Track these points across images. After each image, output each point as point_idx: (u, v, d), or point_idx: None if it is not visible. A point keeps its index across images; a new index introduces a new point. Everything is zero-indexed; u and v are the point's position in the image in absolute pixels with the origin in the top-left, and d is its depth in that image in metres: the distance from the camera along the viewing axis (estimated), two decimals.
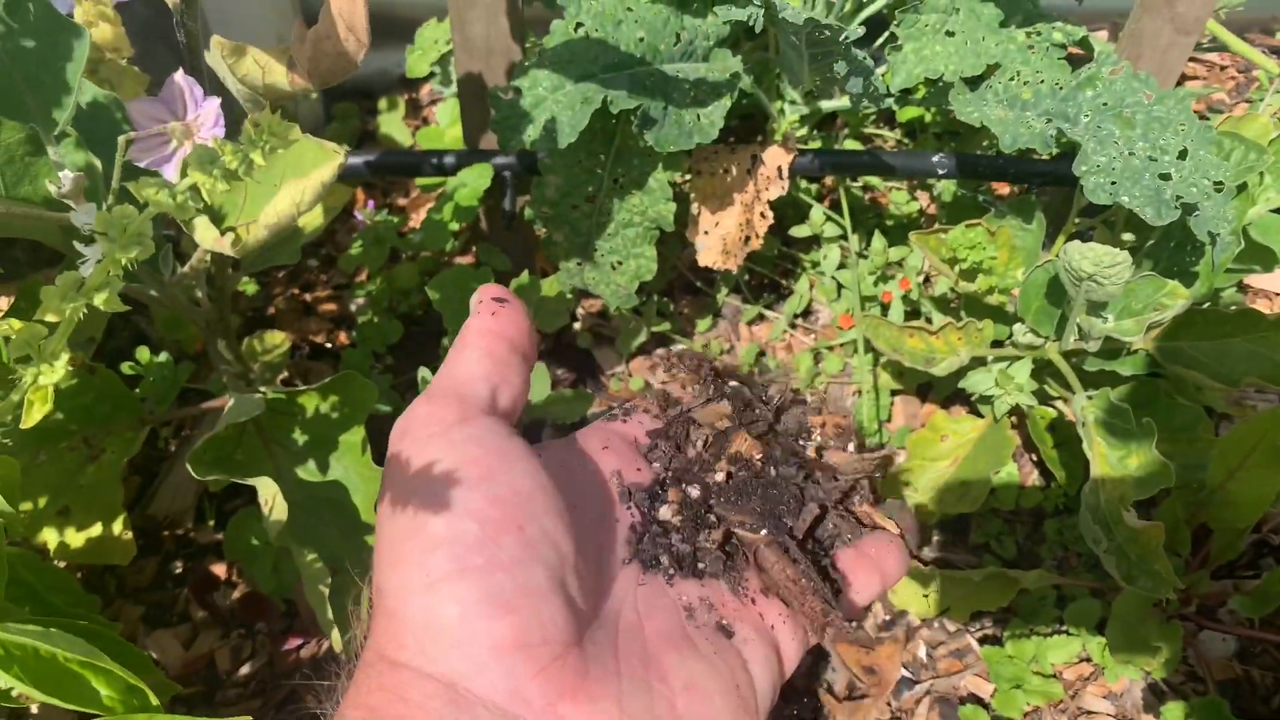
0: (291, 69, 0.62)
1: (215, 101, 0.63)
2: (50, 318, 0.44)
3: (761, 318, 1.19)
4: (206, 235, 0.61)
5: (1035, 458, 1.05)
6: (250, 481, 0.65)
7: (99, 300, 0.44)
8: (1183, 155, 0.82)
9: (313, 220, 0.87)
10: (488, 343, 0.44)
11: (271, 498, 0.64)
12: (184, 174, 0.62)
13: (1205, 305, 0.85)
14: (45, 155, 0.62)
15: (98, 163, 0.68)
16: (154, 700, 0.45)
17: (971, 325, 0.88)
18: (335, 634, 0.65)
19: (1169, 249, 0.91)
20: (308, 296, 1.18)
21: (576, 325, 1.18)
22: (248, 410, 0.69)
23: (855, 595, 0.47)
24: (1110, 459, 0.79)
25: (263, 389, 0.73)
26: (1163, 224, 0.77)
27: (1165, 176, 0.79)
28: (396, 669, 0.36)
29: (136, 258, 0.42)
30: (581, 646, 0.38)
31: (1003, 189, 1.21)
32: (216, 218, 0.65)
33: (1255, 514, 0.84)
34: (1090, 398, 0.81)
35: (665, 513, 0.48)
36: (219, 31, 0.68)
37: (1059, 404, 0.99)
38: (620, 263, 0.97)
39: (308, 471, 0.73)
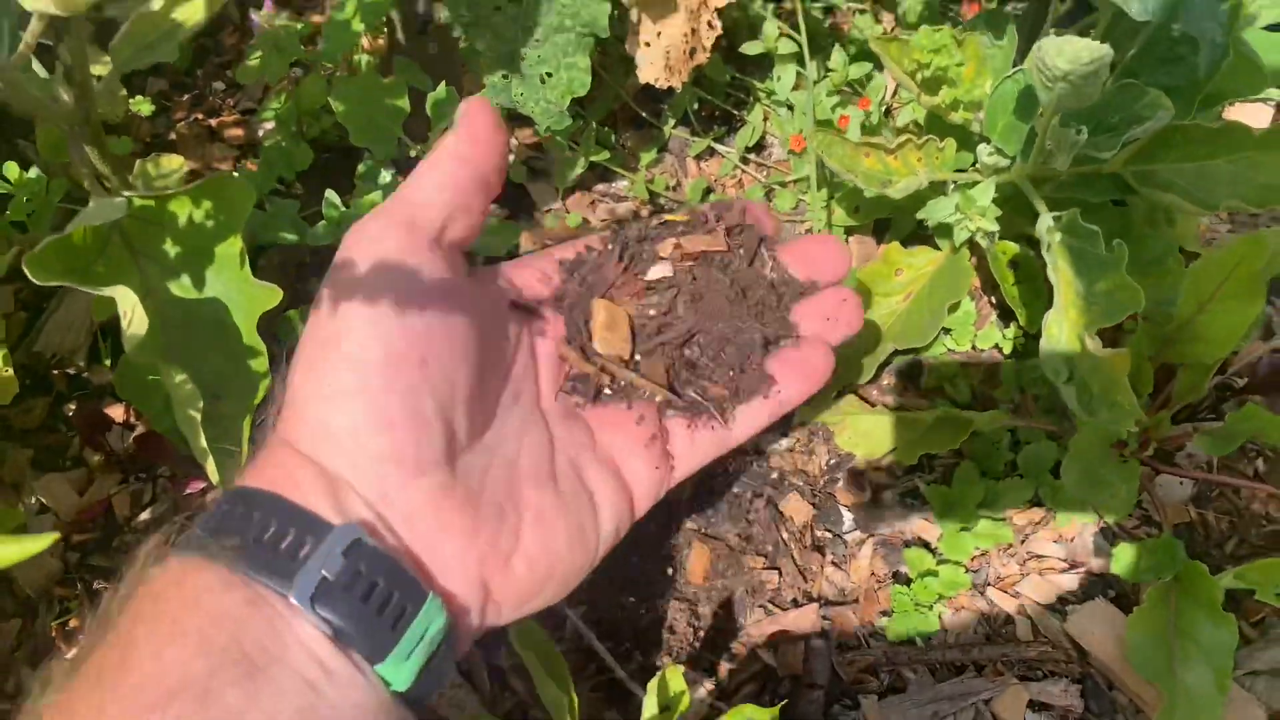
0: None
1: None
2: None
3: (711, 152, 1.10)
4: None
5: (994, 300, 0.99)
6: (106, 292, 0.57)
7: None
8: None
9: (192, 15, 0.76)
10: (455, 169, 0.46)
11: (130, 309, 0.56)
12: None
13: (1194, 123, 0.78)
14: None
15: None
16: None
17: (932, 144, 0.80)
18: (210, 464, 0.58)
19: (1150, 63, 0.82)
20: (212, 122, 1.08)
21: (510, 157, 1.08)
22: (108, 213, 0.60)
23: (785, 394, 0.54)
24: (1076, 284, 0.73)
25: (128, 193, 0.64)
26: (1147, 19, 0.69)
27: None
28: (294, 455, 0.41)
29: None
30: (452, 469, 0.43)
31: (973, 12, 1.11)
32: None
33: (1227, 347, 0.79)
34: (1057, 219, 0.74)
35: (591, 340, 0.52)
36: None
37: (1021, 242, 0.92)
38: (550, 75, 0.87)
39: (182, 288, 0.64)
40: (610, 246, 0.56)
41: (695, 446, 0.53)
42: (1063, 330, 0.72)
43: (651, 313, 0.54)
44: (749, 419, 0.54)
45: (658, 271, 0.54)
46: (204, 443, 0.57)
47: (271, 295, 0.64)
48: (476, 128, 0.47)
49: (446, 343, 0.44)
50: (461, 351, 0.45)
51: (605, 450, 0.51)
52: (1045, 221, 0.75)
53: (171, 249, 0.64)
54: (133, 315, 0.56)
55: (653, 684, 0.62)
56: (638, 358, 0.53)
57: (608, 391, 0.53)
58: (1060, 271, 0.73)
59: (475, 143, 0.47)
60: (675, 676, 0.62)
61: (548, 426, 0.50)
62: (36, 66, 0.69)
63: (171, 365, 0.58)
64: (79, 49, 0.64)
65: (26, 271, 0.55)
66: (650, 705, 0.62)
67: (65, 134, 0.71)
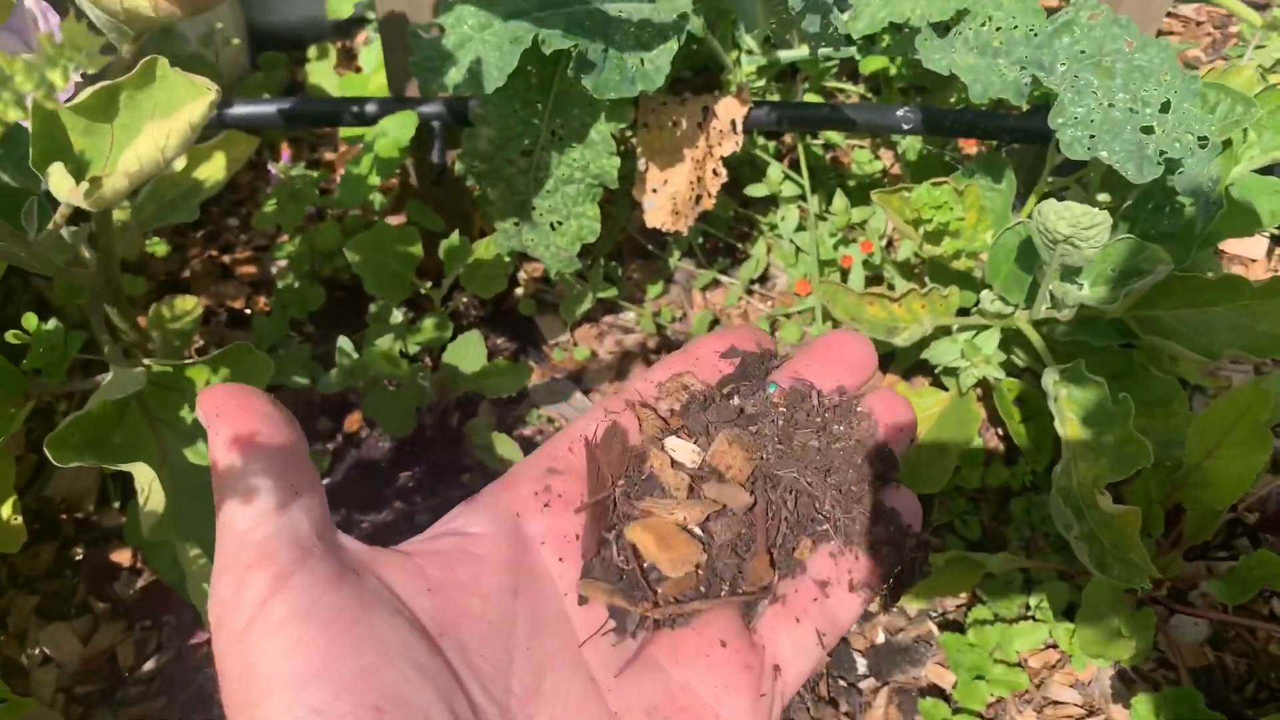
0: None
1: None
2: None
3: (716, 283, 1.12)
4: (61, 185, 0.53)
5: (1001, 432, 0.99)
6: (125, 468, 0.58)
7: None
8: (1165, 108, 0.75)
9: (214, 173, 0.79)
10: (252, 464, 0.35)
11: (148, 485, 0.57)
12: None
13: (1185, 271, 0.79)
14: None
15: None
16: None
17: (936, 292, 0.82)
18: None
19: (1146, 211, 0.84)
20: (226, 259, 1.09)
21: (519, 291, 1.10)
22: (127, 385, 0.61)
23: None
24: (1084, 436, 0.74)
25: (147, 362, 0.64)
26: (1144, 181, 0.71)
27: (1148, 130, 0.73)
28: None
29: None
30: None
31: (970, 148, 1.15)
32: (79, 166, 0.56)
33: (1234, 494, 0.79)
34: (1063, 371, 0.75)
35: (619, 554, 0.40)
36: None
37: (1026, 375, 0.93)
38: (560, 223, 0.89)
39: (198, 454, 0.65)
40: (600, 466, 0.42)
41: (807, 643, 0.40)
42: (1072, 484, 0.73)
43: (711, 510, 0.41)
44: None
45: (685, 454, 0.42)
46: None
47: None
48: (224, 407, 0.36)
49: (395, 670, 0.33)
50: (420, 667, 0.34)
51: (689, 698, 0.38)
52: (1051, 375, 0.75)
53: (188, 416, 0.65)
54: (150, 492, 0.56)
55: None
56: (709, 559, 0.40)
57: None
58: (1067, 423, 0.74)
59: (240, 418, 0.36)
60: None
61: (600, 696, 0.37)
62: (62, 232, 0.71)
63: (187, 540, 0.58)
64: (105, 223, 0.66)
65: (49, 454, 0.55)
66: None
67: (88, 296, 0.73)
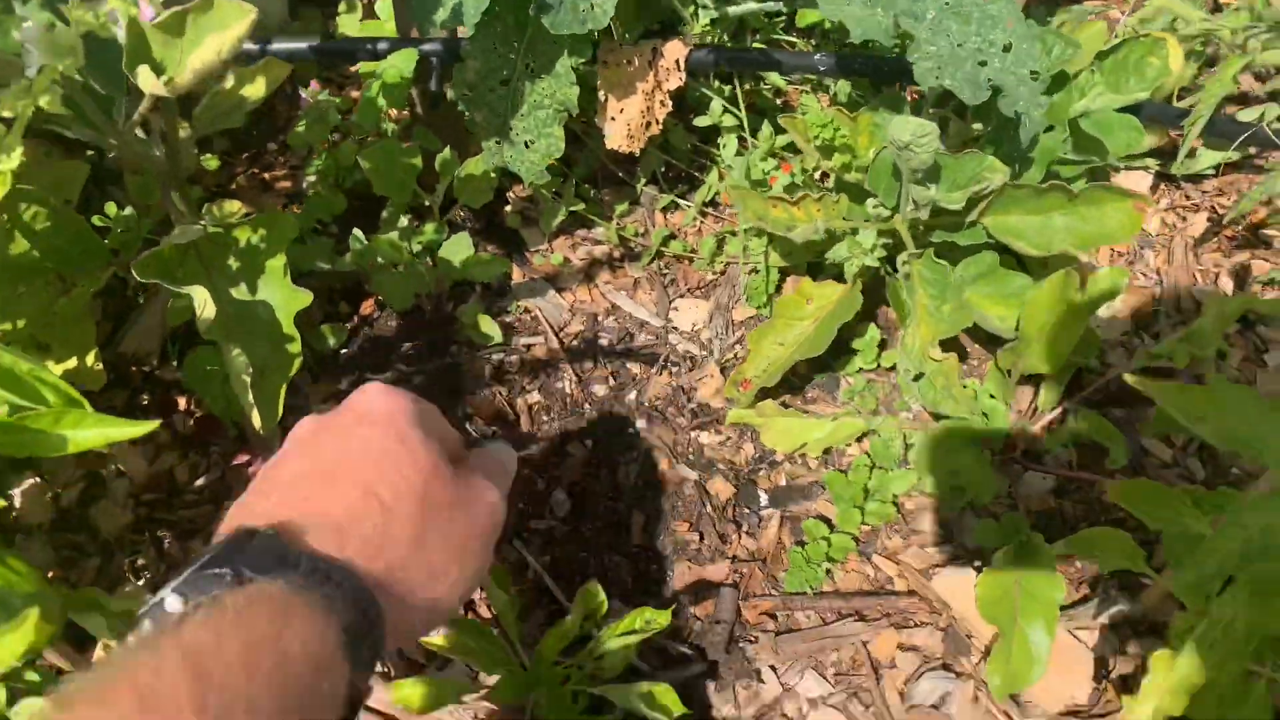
0: None
1: None
2: (6, 114, 0.57)
3: (675, 205, 1.32)
4: (147, 80, 0.74)
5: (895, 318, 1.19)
6: (185, 289, 0.79)
7: (43, 100, 0.57)
8: (1007, 49, 0.94)
9: (256, 91, 1.00)
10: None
11: (204, 302, 0.78)
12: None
13: (1018, 182, 0.98)
14: (14, 12, 0.75)
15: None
16: (87, 406, 0.59)
17: (828, 197, 1.01)
18: (255, 414, 0.80)
19: (1010, 136, 1.03)
20: (266, 175, 1.32)
21: (508, 207, 1.31)
22: (189, 235, 0.83)
23: None
24: (929, 306, 0.93)
25: (203, 222, 0.86)
26: (976, 104, 0.90)
27: (983, 63, 0.92)
28: None
29: (68, 67, 0.55)
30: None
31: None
32: (157, 68, 0.78)
33: (1058, 363, 0.98)
34: (916, 255, 0.94)
35: None
36: None
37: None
38: (532, 141, 1.10)
39: (240, 292, 0.87)
40: None
41: None
42: (915, 341, 0.92)
43: None
44: None
45: None
46: (251, 398, 0.79)
47: (305, 298, 0.86)
48: None
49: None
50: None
51: None
52: (904, 256, 0.95)
53: (233, 263, 0.87)
54: (205, 306, 0.78)
55: (579, 595, 0.82)
56: None
57: None
58: (916, 295, 0.94)
59: None
60: (595, 590, 0.82)
61: None
62: (138, 130, 0.93)
63: (229, 342, 0.80)
64: (171, 118, 0.88)
65: (135, 272, 0.77)
66: (577, 612, 0.82)
67: (155, 182, 0.95)
